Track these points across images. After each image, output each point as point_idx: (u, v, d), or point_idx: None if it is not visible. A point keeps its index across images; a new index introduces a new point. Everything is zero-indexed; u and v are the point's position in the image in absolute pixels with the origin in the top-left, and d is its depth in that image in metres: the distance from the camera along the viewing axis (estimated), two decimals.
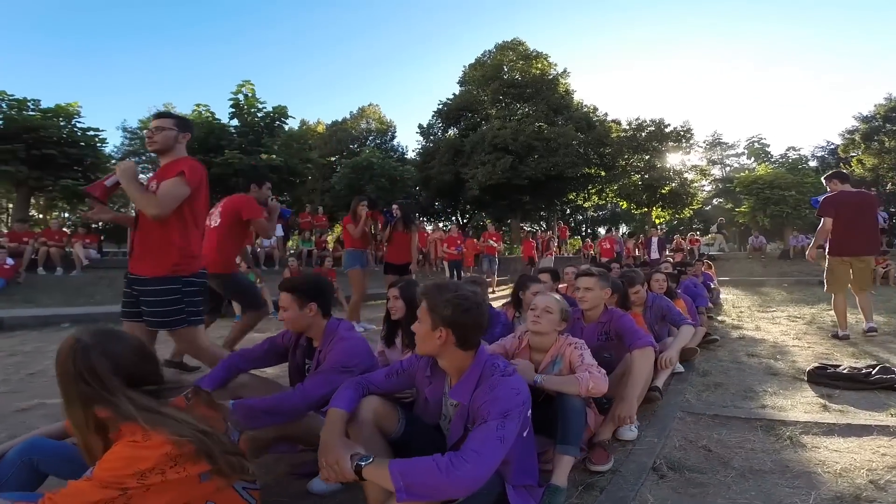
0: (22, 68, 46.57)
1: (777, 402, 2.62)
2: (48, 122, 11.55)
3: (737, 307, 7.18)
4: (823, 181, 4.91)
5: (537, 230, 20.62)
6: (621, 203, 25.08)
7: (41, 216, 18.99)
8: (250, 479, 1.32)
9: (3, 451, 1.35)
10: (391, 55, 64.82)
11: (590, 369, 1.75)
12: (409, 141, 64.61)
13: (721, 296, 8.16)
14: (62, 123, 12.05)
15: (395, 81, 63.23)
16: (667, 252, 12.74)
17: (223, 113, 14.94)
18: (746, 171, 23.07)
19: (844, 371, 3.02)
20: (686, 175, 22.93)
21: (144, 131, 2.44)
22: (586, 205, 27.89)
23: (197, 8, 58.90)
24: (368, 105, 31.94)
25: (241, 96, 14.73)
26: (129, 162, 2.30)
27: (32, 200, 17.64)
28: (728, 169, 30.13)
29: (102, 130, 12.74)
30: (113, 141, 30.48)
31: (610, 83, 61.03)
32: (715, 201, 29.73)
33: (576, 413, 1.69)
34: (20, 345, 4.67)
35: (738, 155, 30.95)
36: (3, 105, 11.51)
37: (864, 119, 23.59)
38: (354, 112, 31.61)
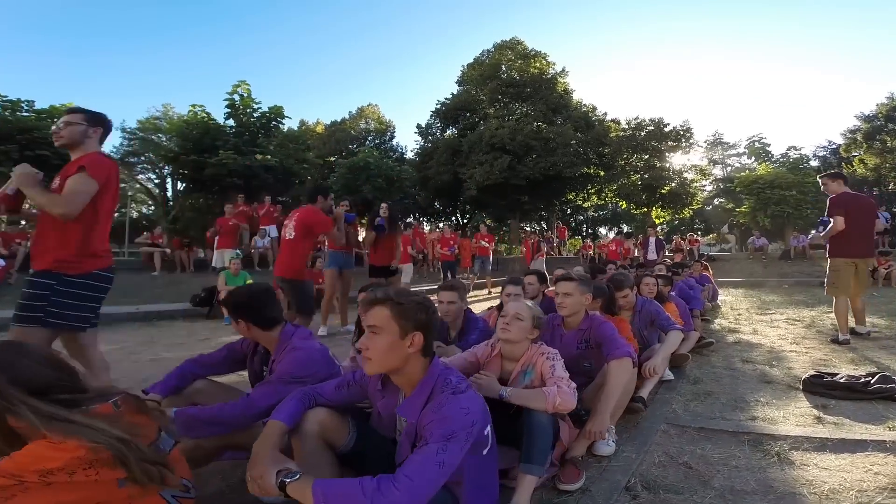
0: (21, 68, 46.57)
1: (769, 414, 2.49)
2: (42, 123, 11.48)
3: (735, 309, 7.04)
4: (821, 180, 4.78)
5: (535, 230, 20.46)
6: (621, 203, 24.92)
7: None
8: (182, 488, 1.29)
9: None
10: (391, 55, 64.88)
11: (559, 382, 1.63)
12: (408, 141, 64.60)
13: (719, 297, 8.02)
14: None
15: (395, 82, 63.22)
16: (665, 252, 12.60)
17: (221, 114, 14.81)
18: (747, 171, 22.88)
19: (842, 380, 2.89)
20: (686, 175, 22.75)
21: (52, 127, 2.29)
22: (585, 205, 27.71)
23: (197, 9, 59.01)
24: (368, 105, 31.87)
25: (236, 97, 14.67)
26: (23, 166, 2.13)
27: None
28: (729, 169, 29.91)
29: None
30: (112, 141, 30.60)
31: (609, 83, 61.00)
32: (716, 201, 29.51)
33: (541, 430, 1.57)
34: None
35: (739, 155, 30.74)
36: None
37: (866, 118, 23.39)
38: (353, 112, 31.55)
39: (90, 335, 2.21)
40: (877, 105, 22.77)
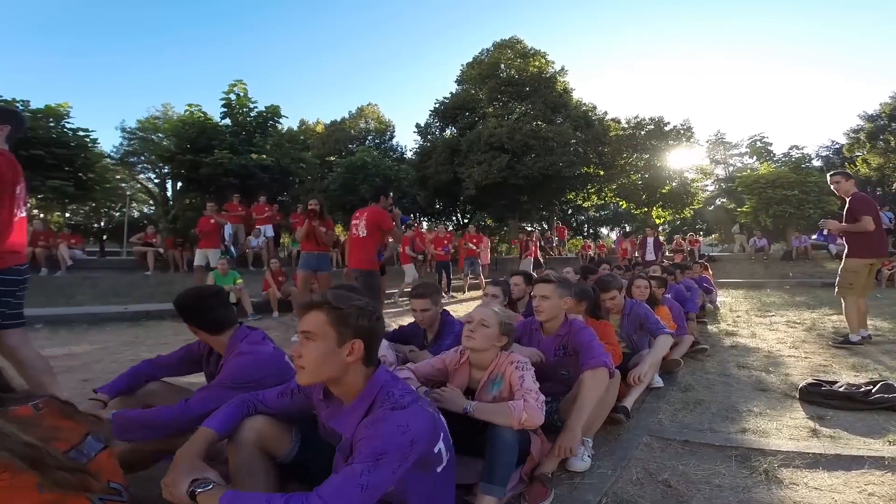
0: (21, 68, 46.59)
1: (761, 425, 2.34)
2: (37, 123, 11.42)
3: (734, 311, 6.87)
4: (832, 178, 4.56)
5: (534, 230, 20.27)
6: (621, 203, 24.71)
7: (37, 216, 19.01)
8: (111, 491, 1.26)
9: None
10: (391, 55, 64.83)
11: (526, 396, 1.51)
12: (408, 141, 64.56)
13: (718, 299, 7.85)
14: (51, 124, 11.91)
15: (395, 81, 63.20)
16: (665, 252, 12.43)
17: (218, 113, 14.73)
18: (749, 171, 22.65)
19: (841, 388, 2.73)
20: (687, 174, 22.53)
21: None
22: (586, 204, 27.49)
23: (197, 9, 59.11)
24: (367, 105, 31.76)
25: (232, 96, 14.60)
26: None
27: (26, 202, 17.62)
28: (731, 168, 29.59)
29: (93, 131, 12.63)
30: (112, 141, 30.63)
31: (609, 82, 60.70)
32: (718, 201, 29.22)
33: (504, 447, 1.44)
34: None
35: (741, 154, 30.40)
36: None
37: (870, 118, 23.10)
38: (353, 112, 31.45)
39: (17, 335, 2.11)
40: (880, 104, 22.48)
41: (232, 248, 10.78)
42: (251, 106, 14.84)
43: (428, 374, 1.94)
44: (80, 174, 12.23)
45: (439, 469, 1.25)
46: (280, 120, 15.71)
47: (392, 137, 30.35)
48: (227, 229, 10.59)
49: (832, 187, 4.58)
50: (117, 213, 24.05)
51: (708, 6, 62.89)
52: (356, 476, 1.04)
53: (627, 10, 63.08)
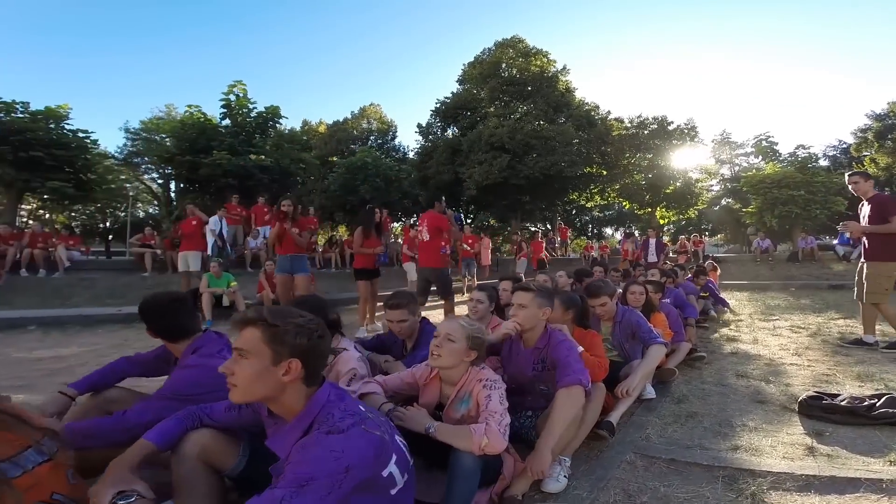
0: (21, 68, 47.05)
1: (754, 442, 2.22)
2: (36, 124, 11.45)
3: (737, 315, 6.71)
4: (851, 178, 4.39)
5: (538, 231, 20.11)
6: (624, 203, 24.46)
7: (43, 216, 19.14)
8: (54, 503, 1.29)
9: None
10: (393, 55, 64.88)
11: (489, 419, 1.40)
12: (410, 141, 64.48)
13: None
14: (51, 126, 11.95)
15: (397, 81, 63.30)
16: (668, 254, 12.22)
17: (218, 114, 14.71)
18: (755, 171, 22.33)
19: (843, 402, 2.58)
20: (691, 174, 22.26)
21: None
22: (588, 205, 27.26)
23: (198, 9, 59.43)
24: (370, 105, 31.72)
25: (232, 97, 14.59)
26: None
27: (29, 203, 17.75)
28: (737, 168, 29.20)
29: (93, 132, 12.64)
30: (116, 142, 30.84)
31: (612, 81, 60.48)
32: (723, 201, 28.85)
33: (464, 473, 1.34)
34: None
35: (747, 154, 29.98)
36: None
37: (877, 117, 22.73)
38: (356, 112, 31.42)
39: None
40: (888, 103, 22.13)
41: (229, 249, 10.74)
42: (251, 107, 14.84)
43: (397, 388, 1.84)
44: (81, 175, 12.26)
45: (393, 492, 1.17)
46: (280, 120, 15.69)
47: (394, 138, 30.30)
48: (226, 230, 10.56)
49: (850, 188, 4.40)
50: (122, 214, 24.19)
51: (709, 6, 62.42)
52: (275, 502, 0.97)
53: (629, 10, 62.74)
